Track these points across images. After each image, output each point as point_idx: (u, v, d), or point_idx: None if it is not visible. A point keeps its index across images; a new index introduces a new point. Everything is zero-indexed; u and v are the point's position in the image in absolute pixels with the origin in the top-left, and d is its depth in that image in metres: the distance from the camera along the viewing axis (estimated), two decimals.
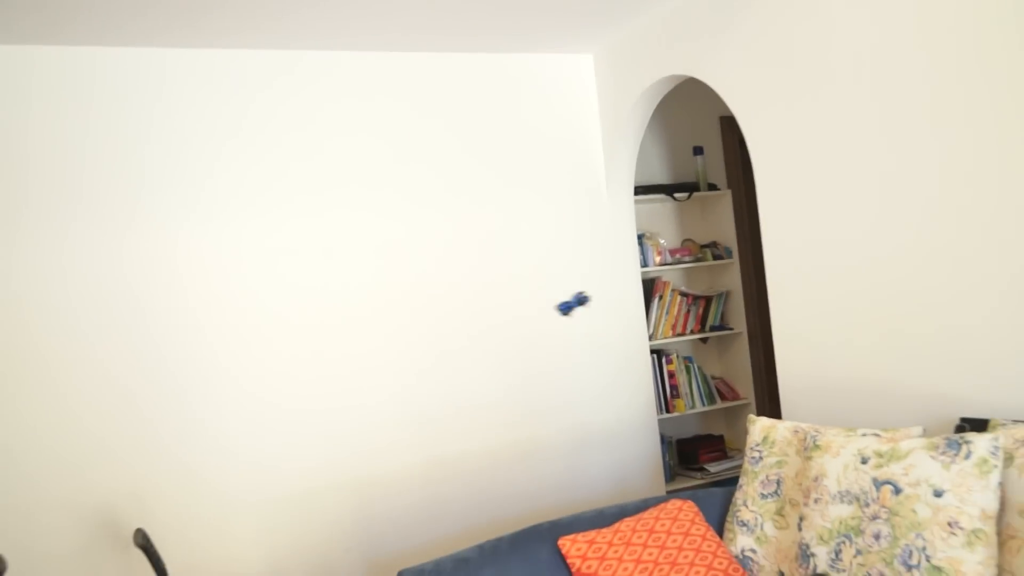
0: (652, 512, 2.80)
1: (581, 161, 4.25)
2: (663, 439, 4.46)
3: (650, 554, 2.62)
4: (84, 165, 3.33)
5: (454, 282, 3.94)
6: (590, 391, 4.18)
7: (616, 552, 2.63)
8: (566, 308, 3.95)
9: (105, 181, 3.36)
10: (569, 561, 2.64)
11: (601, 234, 4.27)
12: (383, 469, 3.74)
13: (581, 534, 2.71)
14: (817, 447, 2.54)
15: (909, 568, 2.16)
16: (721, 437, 4.70)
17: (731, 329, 4.75)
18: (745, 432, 4.55)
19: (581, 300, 3.97)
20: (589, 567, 2.61)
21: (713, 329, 4.73)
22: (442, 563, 2.63)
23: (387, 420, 3.77)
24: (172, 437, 3.41)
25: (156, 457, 3.38)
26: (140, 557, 3.29)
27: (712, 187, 4.84)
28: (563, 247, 4.17)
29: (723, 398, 4.72)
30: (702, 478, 4.42)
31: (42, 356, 3.24)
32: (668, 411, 4.52)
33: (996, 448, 2.18)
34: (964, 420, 2.54)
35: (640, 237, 4.53)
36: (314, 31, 3.48)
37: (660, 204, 4.80)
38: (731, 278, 4.81)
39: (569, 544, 2.67)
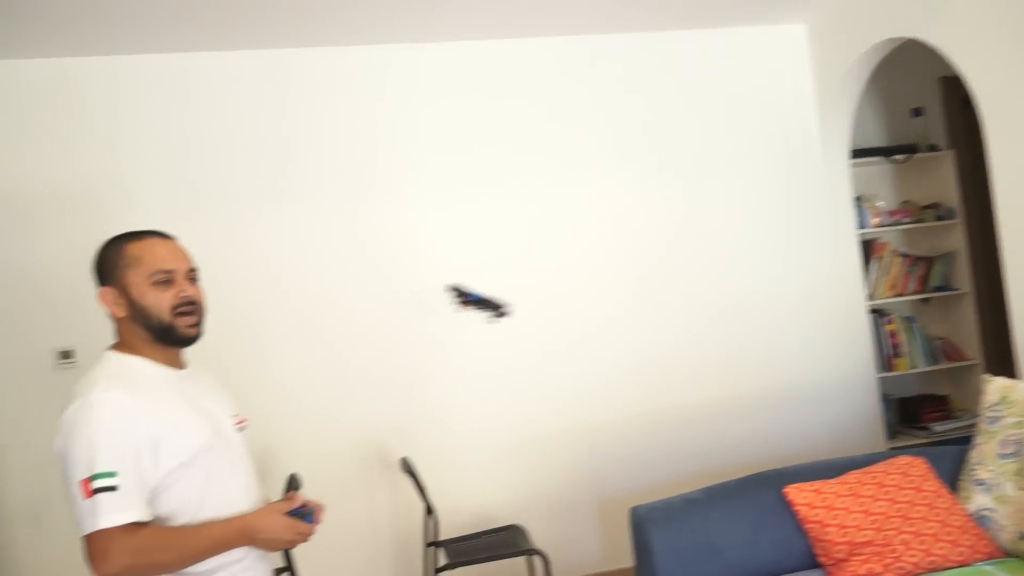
0: (880, 466, 2.62)
1: (794, 128, 4.03)
2: (884, 398, 4.16)
3: (880, 507, 2.45)
4: (326, 155, 3.57)
5: (674, 249, 3.88)
6: (807, 348, 3.98)
7: (844, 503, 2.48)
8: (475, 299, 3.49)
9: (356, 171, 3.59)
10: (796, 508, 2.52)
11: (816, 198, 4.03)
12: (609, 418, 3.76)
13: (808, 483, 2.58)
14: None
15: None
16: (946, 397, 4.32)
17: (956, 290, 4.33)
18: (973, 393, 4.14)
19: (487, 303, 3.50)
20: (816, 515, 2.48)
21: (935, 290, 4.33)
22: (672, 502, 2.61)
23: (611, 374, 3.78)
24: (431, 383, 3.61)
25: (418, 400, 3.60)
26: (405, 480, 3.52)
27: (932, 148, 4.42)
28: (777, 211, 3.99)
29: (947, 358, 4.33)
30: (925, 437, 4.09)
31: (323, 320, 3.53)
32: (889, 370, 4.20)
33: None
34: None
35: (857, 199, 4.22)
36: (524, 19, 3.50)
37: (877, 167, 4.44)
38: (954, 239, 4.37)
39: (796, 492, 2.55)
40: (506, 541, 3.21)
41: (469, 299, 3.50)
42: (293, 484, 2.93)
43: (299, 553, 3.31)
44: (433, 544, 3.15)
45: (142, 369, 1.70)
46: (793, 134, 4.04)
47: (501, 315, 3.51)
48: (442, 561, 3.07)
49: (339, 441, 3.52)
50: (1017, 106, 2.88)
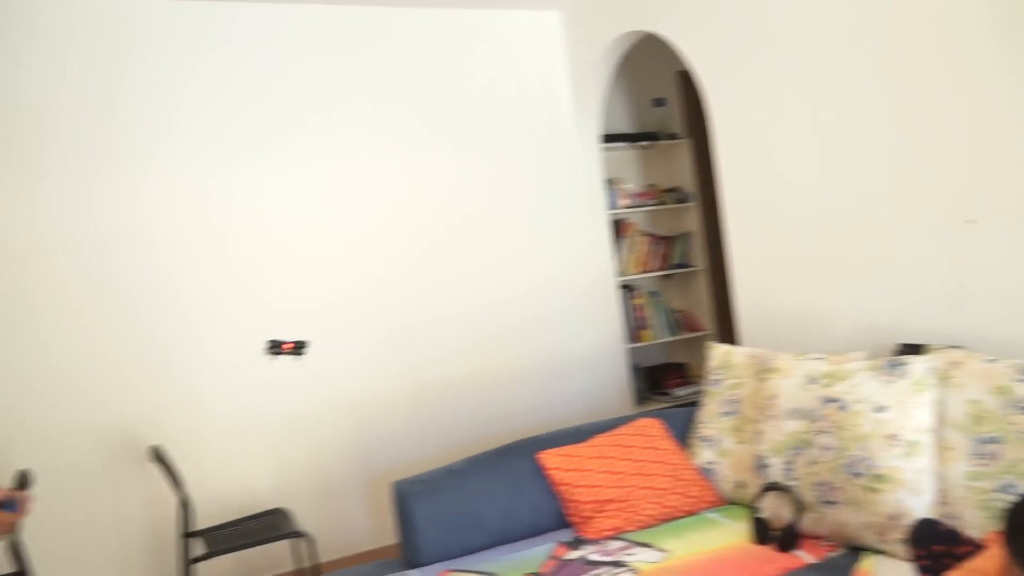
0: (623, 429, 2.85)
1: (550, 111, 4.22)
2: (633, 367, 4.51)
3: (622, 466, 2.67)
4: (64, 111, 3.25)
5: (440, 226, 3.92)
6: (564, 323, 4.21)
7: (591, 464, 2.68)
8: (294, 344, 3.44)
9: (122, 130, 3.29)
10: (549, 472, 2.69)
11: (571, 179, 4.26)
12: (374, 393, 3.76)
13: (559, 448, 2.75)
14: (771, 370, 2.58)
15: (855, 475, 2.22)
16: (685, 365, 4.76)
17: (692, 266, 4.78)
18: (706, 359, 4.61)
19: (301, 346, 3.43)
20: (566, 477, 2.65)
21: (676, 267, 4.75)
22: (435, 474, 2.67)
23: (376, 349, 3.78)
24: (180, 363, 3.40)
25: (166, 381, 3.38)
26: (157, 471, 3.30)
27: (672, 136, 4.82)
28: (536, 191, 4.16)
29: (686, 329, 4.77)
30: (668, 401, 4.49)
31: (60, 290, 3.20)
32: (637, 341, 4.56)
33: (931, 368, 2.23)
34: (903, 345, 2.59)
35: (608, 182, 4.52)
36: None
37: (625, 152, 4.78)
38: (692, 220, 4.82)
39: (549, 457, 2.71)
40: (268, 526, 3.12)
41: (284, 347, 3.39)
42: (23, 482, 2.65)
43: (37, 553, 3.02)
44: (188, 535, 3.00)
45: None
46: (549, 117, 4.22)
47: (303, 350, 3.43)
48: (199, 551, 2.93)
49: (82, 433, 3.23)
50: (737, 99, 3.22)
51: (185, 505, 2.94)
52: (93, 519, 3.24)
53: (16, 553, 2.60)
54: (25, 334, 3.15)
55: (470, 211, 4.00)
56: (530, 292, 4.14)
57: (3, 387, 3.11)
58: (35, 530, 3.10)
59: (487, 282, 4.03)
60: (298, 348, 3.41)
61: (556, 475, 2.67)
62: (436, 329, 3.91)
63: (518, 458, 2.75)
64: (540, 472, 2.71)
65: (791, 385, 2.48)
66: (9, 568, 2.67)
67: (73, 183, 3.23)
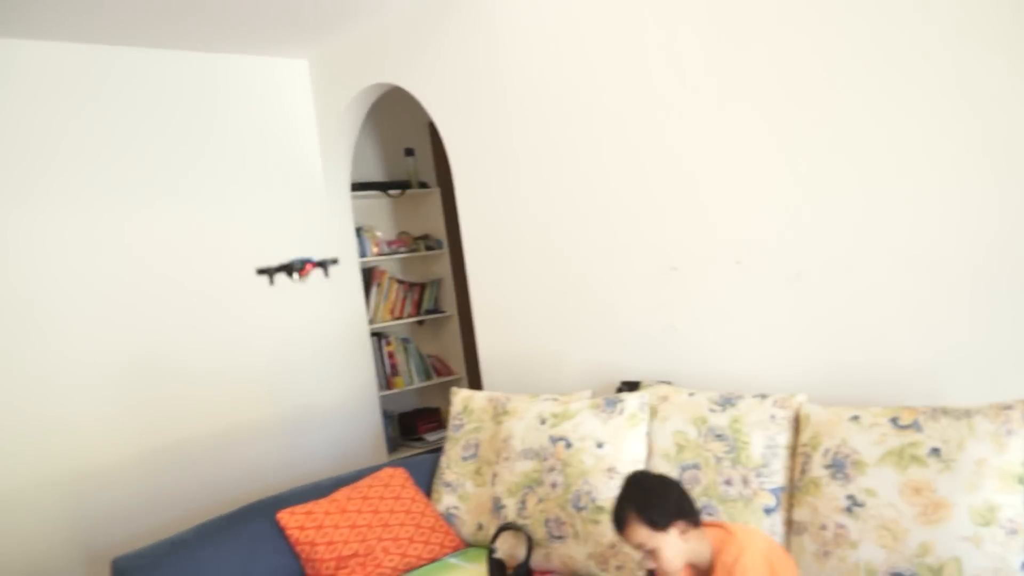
0: (366, 481, 2.83)
1: (299, 158, 4.16)
2: (385, 414, 4.50)
3: (364, 519, 2.64)
4: None
5: (171, 277, 3.70)
6: (311, 373, 4.11)
7: (333, 520, 2.63)
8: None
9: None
10: (288, 532, 2.60)
11: (320, 227, 4.21)
12: (97, 462, 3.44)
13: (299, 506, 2.67)
14: (506, 412, 2.69)
15: (579, 509, 2.36)
16: (438, 409, 4.83)
17: (444, 312, 4.88)
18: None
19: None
20: (307, 536, 2.58)
21: (428, 312, 4.83)
22: (159, 547, 2.49)
23: (101, 413, 3.46)
24: None
25: None
26: None
27: (423, 185, 4.94)
28: (282, 239, 4.06)
29: (439, 374, 4.84)
30: (421, 447, 4.51)
31: None
32: (389, 388, 4.56)
33: (643, 404, 2.44)
34: (624, 383, 2.81)
35: (359, 230, 4.52)
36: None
37: (376, 200, 4.82)
38: (443, 267, 4.94)
39: (288, 516, 2.63)
40: None
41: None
42: None
43: None
44: None
45: None
46: (299, 165, 4.16)
47: None
48: None
49: None
50: (474, 150, 3.37)
51: None
52: None
53: None
54: None
55: (214, 264, 3.82)
56: (276, 343, 4.01)
57: None
58: None
59: (231, 336, 3.85)
60: None
61: (295, 534, 2.59)
62: (171, 385, 3.66)
63: (256, 520, 2.64)
64: (280, 534, 2.62)
65: (524, 426, 2.60)
66: None
67: None
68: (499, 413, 2.75)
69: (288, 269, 2.82)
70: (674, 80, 2.61)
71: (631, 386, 2.74)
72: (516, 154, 3.19)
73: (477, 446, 2.83)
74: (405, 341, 4.72)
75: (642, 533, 1.77)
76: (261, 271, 2.86)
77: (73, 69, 3.47)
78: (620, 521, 1.82)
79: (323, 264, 2.95)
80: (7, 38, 3.30)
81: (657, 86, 2.66)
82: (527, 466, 2.53)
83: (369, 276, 4.57)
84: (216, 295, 3.83)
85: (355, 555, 2.56)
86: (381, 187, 4.72)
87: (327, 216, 4.24)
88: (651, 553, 1.77)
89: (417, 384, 4.69)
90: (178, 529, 3.59)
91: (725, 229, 2.55)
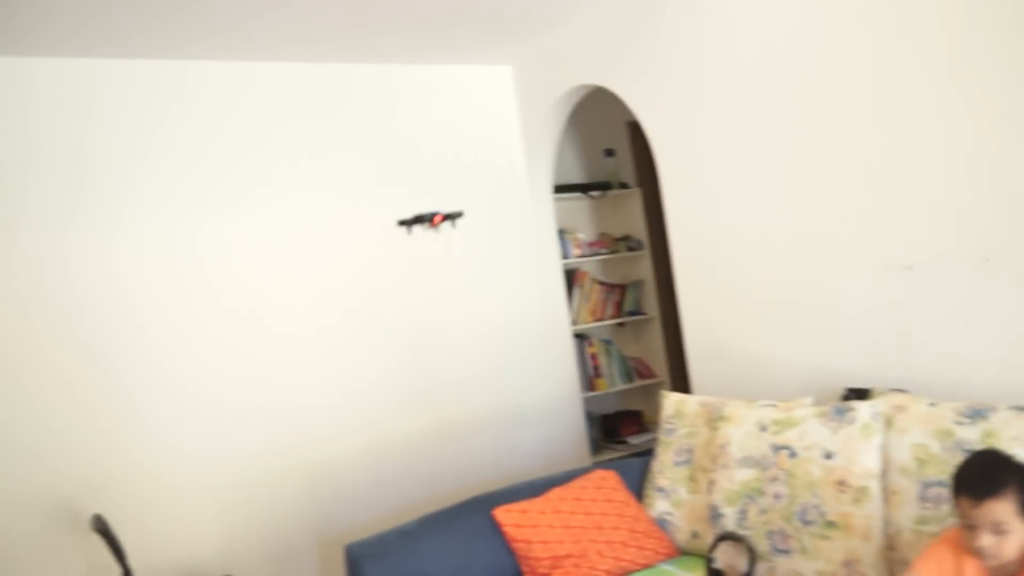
0: (579, 482, 2.83)
1: (503, 163, 4.26)
2: (588, 415, 4.51)
3: (578, 520, 2.65)
4: (32, 172, 3.20)
5: (393, 279, 3.91)
6: (519, 373, 4.20)
7: (547, 519, 2.66)
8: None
9: (50, 189, 3.23)
10: (504, 529, 2.66)
11: (524, 230, 4.29)
12: (329, 452, 3.70)
13: (515, 504, 2.72)
14: (722, 418, 2.60)
15: (806, 523, 2.23)
16: (640, 412, 4.78)
17: (645, 314, 4.82)
18: (660, 407, 4.63)
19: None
20: (523, 534, 2.63)
21: (629, 314, 4.79)
22: (386, 536, 2.62)
23: (329, 406, 3.72)
24: (127, 428, 3.31)
25: (111, 447, 3.27)
26: (100, 541, 3.19)
27: (623, 186, 4.90)
28: (489, 242, 4.17)
29: (640, 377, 4.79)
30: (624, 450, 4.48)
31: (1, 353, 3.12)
32: (592, 390, 4.57)
33: (877, 413, 2.27)
34: (850, 390, 2.63)
35: (560, 232, 4.57)
36: (229, 42, 3.40)
37: (577, 202, 4.84)
38: (644, 268, 4.88)
39: (504, 513, 2.68)
40: None
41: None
42: None
43: None
44: None
45: None
46: (503, 169, 4.27)
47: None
48: None
49: (16, 504, 3.11)
50: (683, 149, 3.29)
51: None
52: None
53: None
54: None
55: (423, 265, 3.99)
56: (485, 343, 4.13)
57: None
58: None
59: (441, 334, 4.02)
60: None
61: (512, 532, 2.64)
62: (389, 383, 3.86)
63: (472, 516, 2.71)
64: (495, 529, 2.68)
65: (742, 433, 2.50)
66: None
67: (45, 243, 3.19)
68: (714, 418, 2.67)
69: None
70: (900, 63, 2.41)
71: (859, 394, 2.56)
72: (727, 150, 3.08)
73: (691, 451, 2.75)
74: (607, 343, 4.70)
75: (1007, 512, 1.64)
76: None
77: (303, 85, 3.75)
78: (992, 487, 1.67)
79: (450, 216, 3.44)
80: (219, 60, 3.62)
81: (888, 72, 2.46)
82: (747, 475, 2.43)
83: (571, 278, 4.60)
84: (427, 298, 3.99)
85: (569, 556, 2.57)
86: (582, 188, 4.74)
87: (530, 218, 4.31)
88: (1001, 536, 1.64)
89: (619, 386, 4.66)
90: (399, 518, 3.80)
91: (972, 222, 2.32)
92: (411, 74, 4.03)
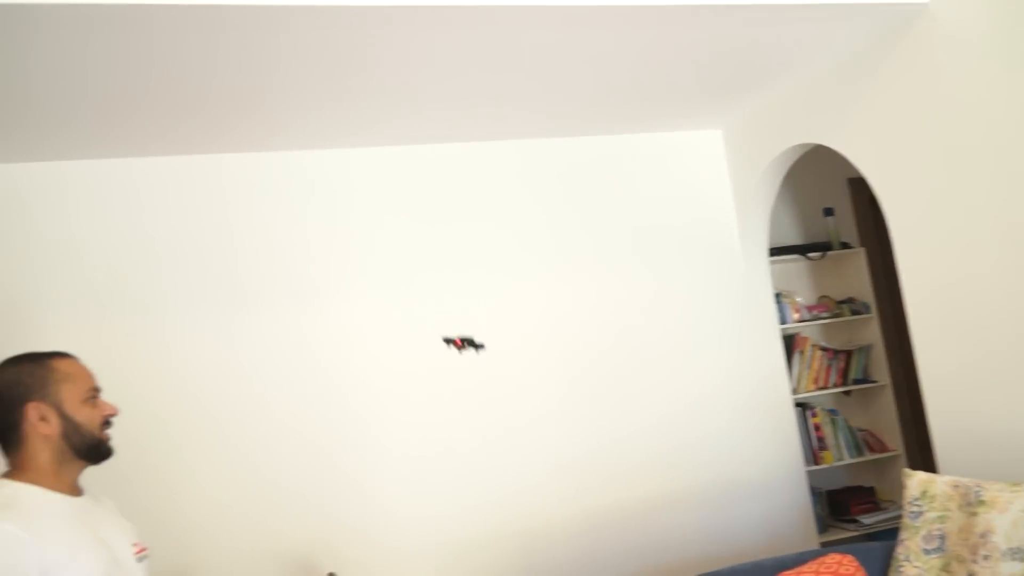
0: (811, 566, 2.61)
1: (715, 227, 4.15)
2: (813, 491, 4.19)
3: None
4: (262, 257, 3.52)
5: (602, 347, 3.89)
6: (735, 443, 4.00)
7: None
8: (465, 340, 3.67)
9: (284, 273, 3.53)
10: None
11: (739, 294, 4.13)
12: (542, 520, 3.68)
13: None
14: (982, 502, 2.31)
15: None
16: (872, 489, 4.38)
17: (875, 382, 4.45)
18: (898, 484, 4.22)
19: (472, 342, 3.64)
20: None
21: (856, 382, 4.45)
22: None
23: (544, 475, 3.71)
24: (353, 492, 3.48)
25: (340, 510, 3.45)
26: None
27: (845, 245, 4.61)
28: (703, 308, 4.06)
29: (871, 450, 4.41)
30: (856, 530, 4.11)
31: (238, 423, 3.39)
32: (816, 463, 4.25)
33: None
34: None
35: (777, 296, 4.35)
36: (459, 126, 3.59)
37: (794, 264, 4.61)
38: (870, 332, 4.53)
39: None
40: None
41: (462, 342, 3.58)
42: None
43: None
44: None
45: (35, 498, 1.61)
46: (715, 233, 4.16)
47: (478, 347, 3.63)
48: None
49: (267, 557, 3.34)
50: (916, 206, 3.04)
51: None
52: None
53: None
54: (197, 458, 3.33)
55: (639, 333, 3.94)
56: (699, 412, 3.98)
57: (177, 516, 3.26)
58: None
59: (652, 403, 3.92)
60: (469, 344, 3.53)
61: None
62: (599, 455, 3.80)
63: None
64: None
65: (1008, 521, 2.20)
66: None
67: (262, 322, 3.49)
68: (970, 503, 2.37)
69: None
70: None
71: None
72: (968, 202, 2.81)
73: (943, 538, 2.46)
74: (832, 412, 4.38)
75: None
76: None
77: (517, 158, 3.88)
78: None
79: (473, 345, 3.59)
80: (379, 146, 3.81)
81: None
82: (1016, 569, 2.13)
83: (790, 343, 4.36)
84: (639, 367, 3.92)
85: None
86: (800, 250, 4.51)
87: (745, 282, 4.15)
88: None
89: (848, 460, 4.31)
90: None
91: None
92: (619, 143, 4.06)
